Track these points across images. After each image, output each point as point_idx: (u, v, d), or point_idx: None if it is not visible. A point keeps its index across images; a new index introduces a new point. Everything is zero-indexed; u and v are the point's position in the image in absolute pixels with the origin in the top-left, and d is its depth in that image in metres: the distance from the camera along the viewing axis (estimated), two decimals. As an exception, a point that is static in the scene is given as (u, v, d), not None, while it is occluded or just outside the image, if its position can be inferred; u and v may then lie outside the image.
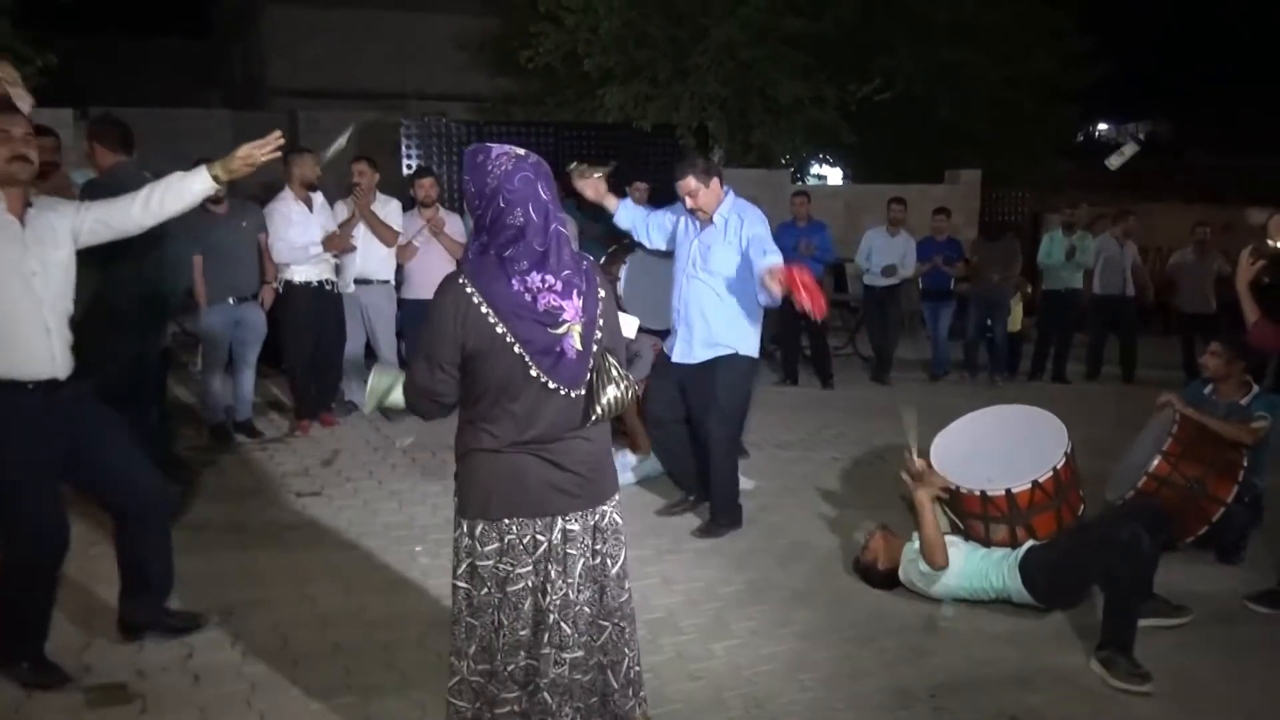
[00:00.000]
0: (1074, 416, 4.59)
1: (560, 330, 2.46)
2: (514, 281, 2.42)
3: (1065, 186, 16.22)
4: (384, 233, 6.71)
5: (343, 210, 6.71)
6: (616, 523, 2.66)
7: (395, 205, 6.91)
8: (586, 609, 2.57)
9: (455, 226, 7.07)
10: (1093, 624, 3.91)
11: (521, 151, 2.49)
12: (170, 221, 3.71)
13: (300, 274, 6.41)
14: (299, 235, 6.32)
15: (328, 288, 6.53)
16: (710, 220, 4.76)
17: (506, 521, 2.50)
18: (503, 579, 2.52)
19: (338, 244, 6.47)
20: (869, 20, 12.88)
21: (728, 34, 12.00)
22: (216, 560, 4.45)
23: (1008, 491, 4.09)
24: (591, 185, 5.00)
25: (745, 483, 5.75)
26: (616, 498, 2.67)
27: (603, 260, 6.20)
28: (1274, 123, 20.23)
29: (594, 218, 8.04)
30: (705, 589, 4.33)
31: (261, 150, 3.19)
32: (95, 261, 3.50)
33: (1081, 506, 4.32)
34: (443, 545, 4.64)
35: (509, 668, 2.58)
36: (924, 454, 4.46)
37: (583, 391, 2.50)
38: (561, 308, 2.46)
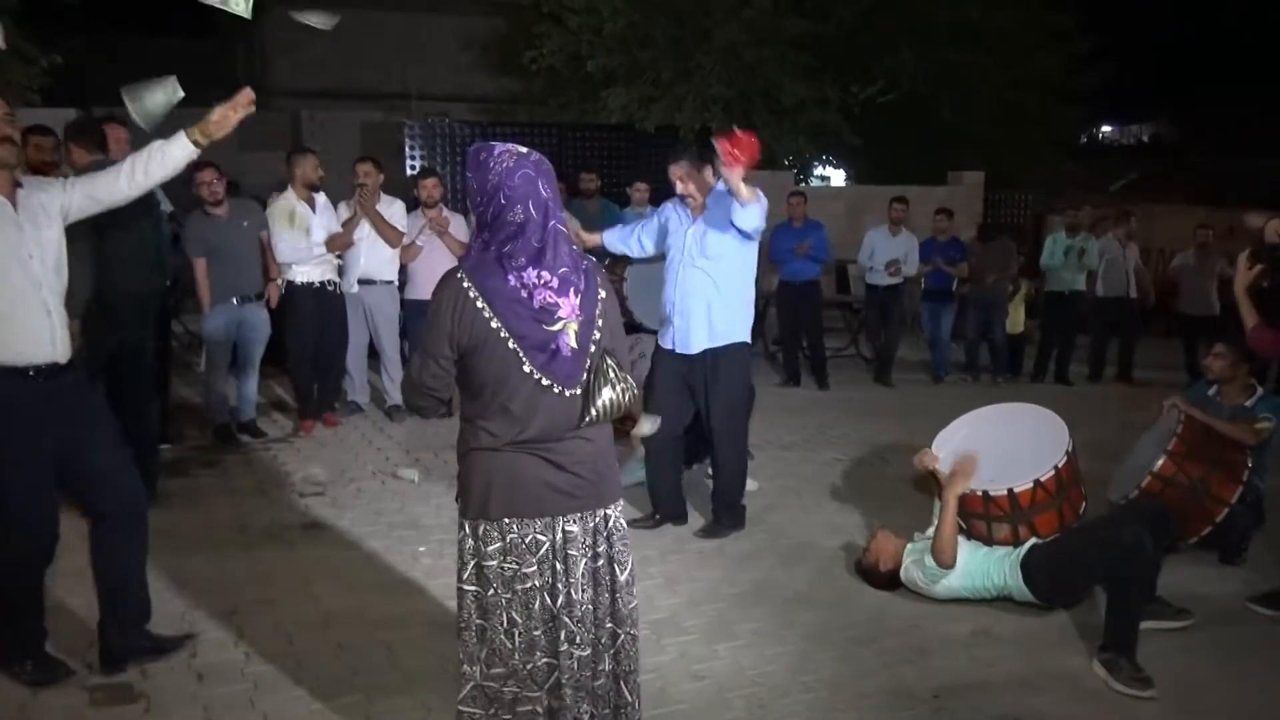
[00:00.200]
0: (1076, 418, 4.59)
1: (555, 327, 2.46)
2: (510, 277, 2.43)
3: (1068, 188, 16.23)
4: (388, 233, 6.72)
5: (346, 211, 6.72)
6: (622, 527, 2.64)
7: (399, 206, 6.92)
8: (591, 608, 2.57)
9: (459, 227, 7.07)
10: (1095, 624, 3.92)
11: (524, 150, 2.50)
12: (150, 219, 3.74)
13: (302, 274, 6.42)
14: (300, 235, 6.32)
15: (330, 288, 6.54)
16: (703, 208, 4.78)
17: (507, 521, 2.50)
18: (509, 578, 2.52)
19: (340, 243, 6.49)
20: (872, 21, 12.88)
21: (731, 35, 12.00)
22: (220, 560, 4.46)
23: (1010, 491, 4.09)
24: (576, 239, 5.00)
25: (748, 484, 5.78)
26: (620, 502, 2.65)
27: (605, 263, 6.20)
28: (1277, 124, 20.21)
29: (595, 219, 8.07)
30: (708, 589, 4.34)
31: (235, 110, 3.17)
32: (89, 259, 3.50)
33: (1083, 505, 4.32)
34: (446, 545, 4.66)
35: (528, 666, 2.57)
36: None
37: (578, 391, 2.50)
38: (557, 304, 2.46)
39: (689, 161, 4.75)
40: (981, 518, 4.20)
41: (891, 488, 5.81)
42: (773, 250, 8.95)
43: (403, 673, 3.52)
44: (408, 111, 13.65)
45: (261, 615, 3.91)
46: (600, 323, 2.54)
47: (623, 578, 2.62)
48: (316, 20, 3.40)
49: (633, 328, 4.41)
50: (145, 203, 4.09)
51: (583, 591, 2.54)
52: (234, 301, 6.27)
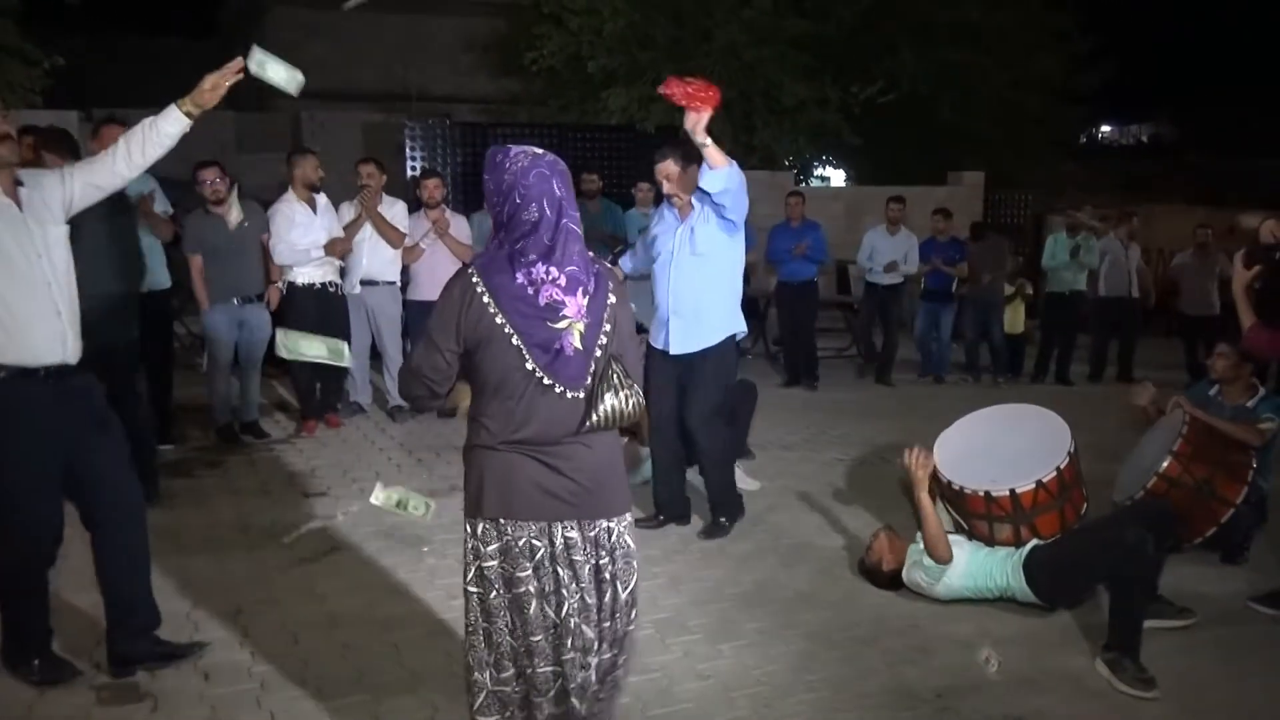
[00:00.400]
0: (1077, 418, 4.60)
1: (560, 325, 2.45)
2: (519, 274, 2.44)
3: (1068, 188, 16.24)
4: (390, 234, 6.73)
5: (348, 212, 6.73)
6: (627, 545, 2.59)
7: (401, 207, 6.94)
8: (585, 627, 2.53)
9: (461, 228, 7.09)
10: (1098, 624, 3.93)
11: (539, 150, 2.52)
12: (116, 221, 3.75)
13: (303, 276, 6.43)
14: (300, 237, 6.33)
15: (331, 289, 6.54)
16: (690, 207, 4.79)
17: (502, 521, 2.50)
18: (508, 580, 2.52)
19: (339, 248, 6.48)
20: (872, 21, 12.90)
21: (731, 35, 12.04)
22: (224, 560, 4.47)
23: (1011, 491, 4.10)
24: None
25: (750, 484, 5.80)
26: (627, 518, 2.61)
27: (609, 260, 6.21)
28: (1277, 124, 20.23)
29: (597, 219, 8.08)
30: (712, 589, 4.35)
31: (225, 78, 3.13)
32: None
33: (1084, 505, 4.33)
34: (449, 545, 4.67)
35: (528, 671, 2.56)
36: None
37: (581, 394, 2.49)
38: (563, 303, 2.45)
39: (675, 160, 4.74)
40: (983, 518, 4.21)
41: (893, 488, 5.81)
42: (770, 250, 8.98)
43: (409, 672, 3.53)
44: (408, 112, 13.66)
45: (266, 615, 3.92)
46: (608, 327, 2.52)
47: (623, 596, 2.58)
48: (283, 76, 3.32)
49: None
50: (111, 204, 4.05)
51: (592, 596, 2.53)
52: (234, 302, 6.28)
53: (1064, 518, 4.17)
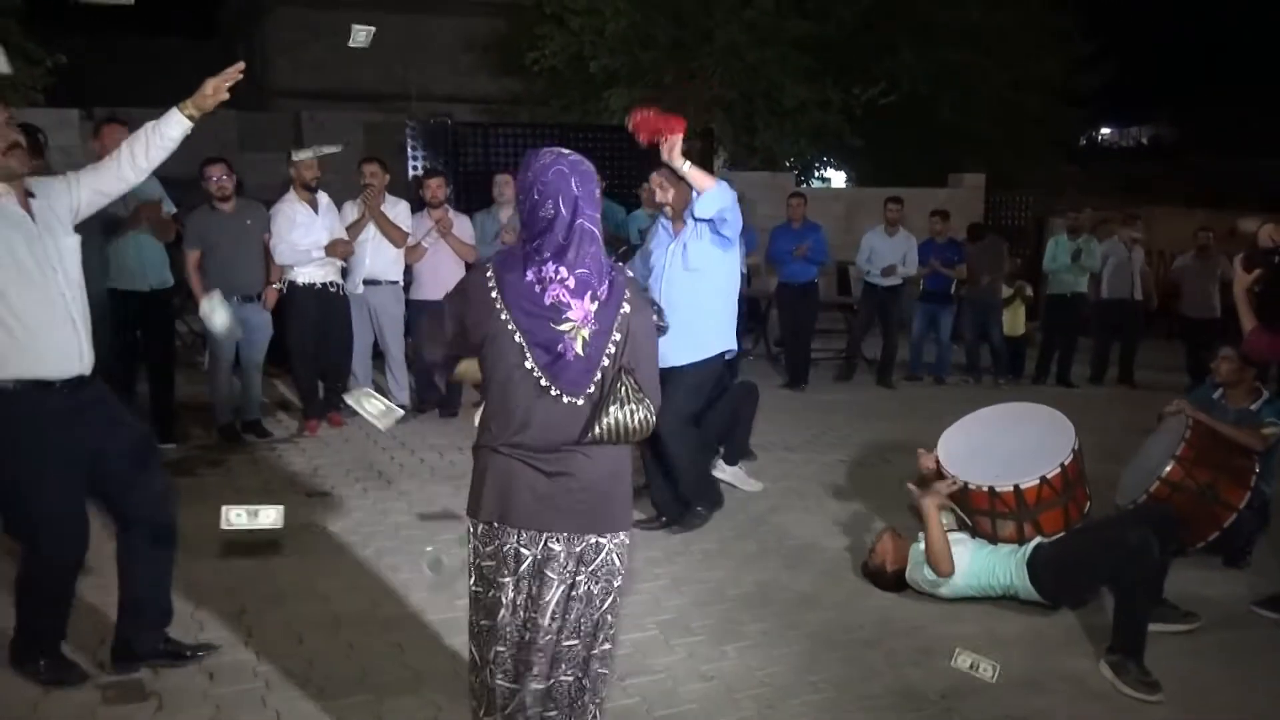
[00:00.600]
0: (1078, 420, 4.59)
1: (563, 327, 2.42)
2: (529, 272, 2.42)
3: (1068, 190, 16.24)
4: (393, 234, 6.73)
5: (351, 211, 6.72)
6: (613, 564, 2.53)
7: (404, 206, 6.94)
8: (554, 639, 2.50)
9: (464, 227, 7.09)
10: (1102, 625, 3.94)
11: (565, 150, 2.51)
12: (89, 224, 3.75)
13: (303, 275, 6.42)
14: (301, 237, 6.32)
15: (332, 290, 6.51)
16: (683, 222, 4.80)
17: (496, 525, 2.48)
18: (491, 582, 2.52)
19: (341, 249, 6.45)
20: (873, 22, 12.91)
21: (732, 36, 12.04)
22: (228, 560, 4.47)
23: (1016, 487, 4.11)
24: None
25: (752, 485, 5.81)
26: (622, 536, 2.55)
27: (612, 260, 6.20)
28: (1277, 125, 20.24)
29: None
30: (714, 590, 4.35)
31: (225, 81, 3.15)
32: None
33: (1088, 504, 4.34)
34: (454, 546, 4.66)
35: (499, 684, 2.54)
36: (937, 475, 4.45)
37: (580, 401, 2.44)
38: (568, 304, 2.42)
39: (671, 171, 4.75)
40: (986, 514, 4.22)
41: (896, 489, 5.79)
42: (771, 251, 8.99)
43: (412, 672, 3.53)
44: (408, 112, 13.66)
45: (270, 615, 3.92)
46: (618, 336, 2.46)
47: (596, 616, 2.53)
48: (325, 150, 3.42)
49: None
50: None
51: (551, 620, 2.48)
52: (234, 300, 6.26)
53: (1068, 515, 4.18)
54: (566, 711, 2.57)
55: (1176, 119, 25.49)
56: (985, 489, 4.15)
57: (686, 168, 4.33)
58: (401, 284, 7.04)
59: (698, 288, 4.77)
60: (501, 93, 15.90)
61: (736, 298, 5.03)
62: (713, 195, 4.44)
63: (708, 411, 5.37)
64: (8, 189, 3.05)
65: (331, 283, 6.51)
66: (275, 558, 4.52)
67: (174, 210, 6.30)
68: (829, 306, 10.36)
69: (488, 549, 2.51)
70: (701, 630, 3.95)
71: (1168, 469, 4.41)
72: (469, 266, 7.23)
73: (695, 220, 4.64)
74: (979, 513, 4.25)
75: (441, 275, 7.06)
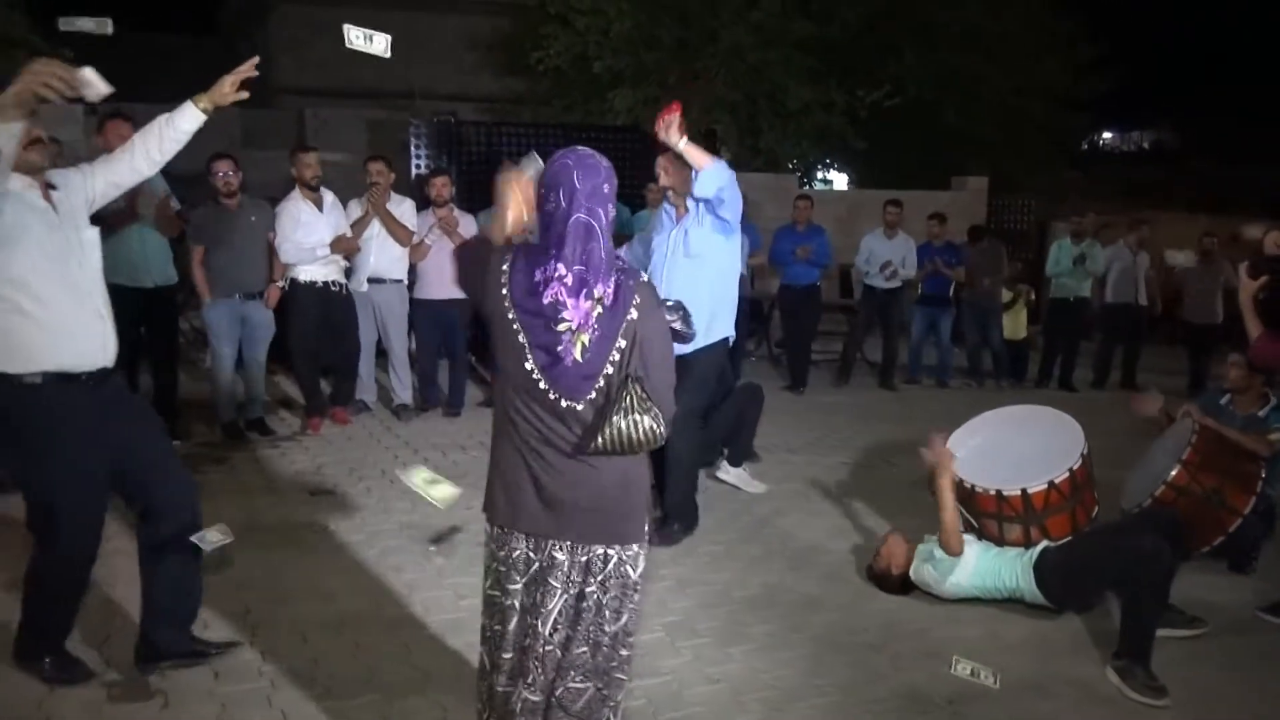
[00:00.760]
0: (1082, 424, 4.59)
1: (560, 329, 2.36)
2: (536, 271, 2.38)
3: (1070, 195, 16.25)
4: (399, 232, 6.72)
5: (355, 209, 6.71)
6: (625, 575, 2.47)
7: (409, 205, 6.93)
8: (558, 652, 2.46)
9: (469, 226, 7.08)
10: (1107, 630, 3.95)
11: (581, 148, 2.46)
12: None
13: (305, 273, 6.42)
14: (305, 236, 6.32)
15: (334, 289, 6.51)
16: (685, 209, 4.80)
17: (504, 529, 2.47)
18: (503, 588, 2.51)
19: (345, 246, 6.44)
20: (878, 26, 12.90)
21: (737, 37, 12.03)
22: (233, 558, 4.45)
23: (1023, 491, 4.11)
24: None
25: (756, 486, 5.81)
26: (634, 548, 2.48)
27: None
28: (1278, 131, 20.26)
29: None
30: (719, 592, 4.34)
31: (239, 76, 3.14)
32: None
33: (1095, 508, 4.34)
34: (459, 545, 4.68)
35: (500, 689, 2.54)
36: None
37: (581, 408, 2.38)
38: (565, 304, 2.35)
39: (677, 155, 4.75)
40: (994, 517, 4.22)
41: (899, 491, 5.82)
42: (774, 252, 8.96)
43: (419, 672, 3.52)
44: (411, 110, 13.63)
45: (275, 613, 3.91)
46: (623, 343, 2.37)
47: (610, 629, 2.48)
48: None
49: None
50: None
51: (554, 630, 2.44)
52: (236, 297, 6.27)
53: (1075, 520, 4.18)
54: None
55: (1178, 125, 25.51)
56: (993, 492, 4.15)
57: (683, 145, 4.31)
58: (405, 282, 7.02)
59: (699, 274, 4.76)
60: (505, 92, 15.87)
61: (737, 284, 5.02)
62: (710, 173, 4.41)
63: (712, 413, 5.36)
64: (31, 182, 3.04)
65: (334, 281, 6.50)
66: (280, 556, 4.51)
67: (179, 206, 6.30)
68: (831, 309, 10.35)
69: (500, 553, 2.50)
70: (707, 632, 3.94)
71: (1173, 473, 4.41)
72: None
73: (695, 200, 4.62)
74: (986, 516, 4.25)
75: (446, 274, 6.99)
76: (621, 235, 8.07)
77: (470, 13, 17.19)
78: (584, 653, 2.48)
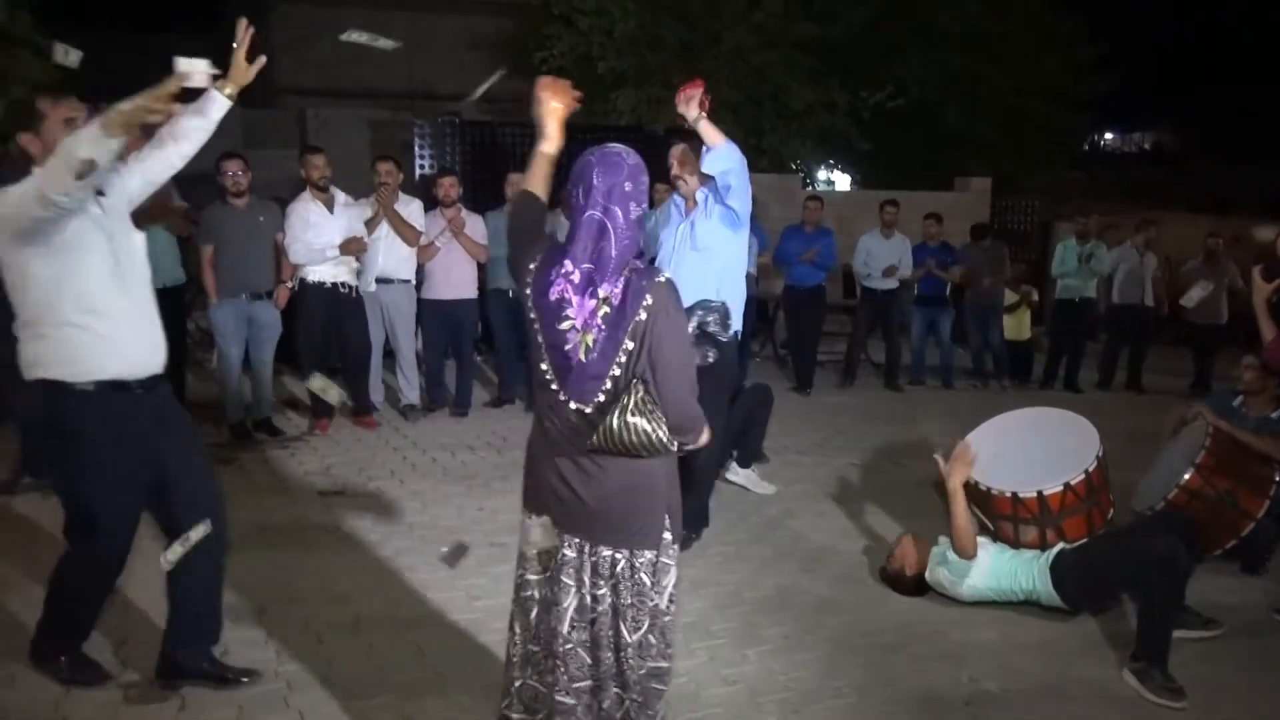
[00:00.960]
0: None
1: (563, 326, 2.35)
2: (554, 266, 2.39)
3: (1072, 195, 16.26)
4: (407, 232, 6.70)
5: (365, 209, 6.69)
6: (641, 583, 2.43)
7: (417, 205, 6.91)
8: (582, 653, 2.46)
9: (476, 227, 7.07)
10: (1122, 632, 3.95)
11: (614, 145, 2.46)
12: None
13: (314, 274, 6.40)
14: (315, 237, 6.30)
15: (343, 290, 6.47)
16: (694, 202, 4.79)
17: (534, 516, 2.51)
18: (522, 580, 2.53)
19: (354, 247, 6.41)
20: (880, 26, 12.89)
21: (740, 38, 12.02)
22: (243, 559, 4.40)
23: (1039, 493, 4.11)
24: None
25: (765, 488, 5.80)
26: (648, 555, 2.44)
27: None
28: (1278, 132, 20.28)
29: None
30: (733, 594, 4.34)
31: (244, 46, 3.06)
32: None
33: (1111, 510, 4.34)
34: (470, 546, 4.66)
35: (516, 683, 2.57)
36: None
37: (589, 410, 2.38)
38: (569, 301, 2.35)
39: (690, 147, 4.74)
40: (1009, 519, 4.22)
41: (908, 492, 5.82)
42: (779, 252, 8.95)
43: (434, 673, 3.51)
44: (413, 110, 13.62)
45: (289, 614, 3.90)
46: (630, 345, 2.33)
47: (632, 638, 2.45)
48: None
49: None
50: None
51: (571, 629, 2.44)
52: (244, 297, 6.25)
53: (1091, 521, 4.18)
54: None
55: (1179, 125, 25.53)
56: (1008, 495, 4.15)
57: (701, 121, 4.29)
58: (413, 283, 7.00)
59: (706, 268, 4.73)
60: (506, 92, 15.86)
61: (744, 279, 4.99)
62: (721, 151, 4.35)
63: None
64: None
65: (343, 283, 6.46)
66: (291, 557, 4.50)
67: (185, 205, 6.29)
68: (835, 309, 10.35)
69: (524, 547, 2.55)
70: (722, 634, 3.93)
71: (1187, 476, 4.40)
72: (481, 267, 7.23)
73: (703, 191, 4.60)
74: (1001, 518, 4.24)
75: (454, 275, 7.06)
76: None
77: (472, 13, 17.17)
78: (609, 658, 2.47)
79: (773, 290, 10.07)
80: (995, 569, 4.10)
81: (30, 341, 2.96)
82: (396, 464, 6.01)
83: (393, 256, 6.78)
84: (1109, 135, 25.93)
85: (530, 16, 13.29)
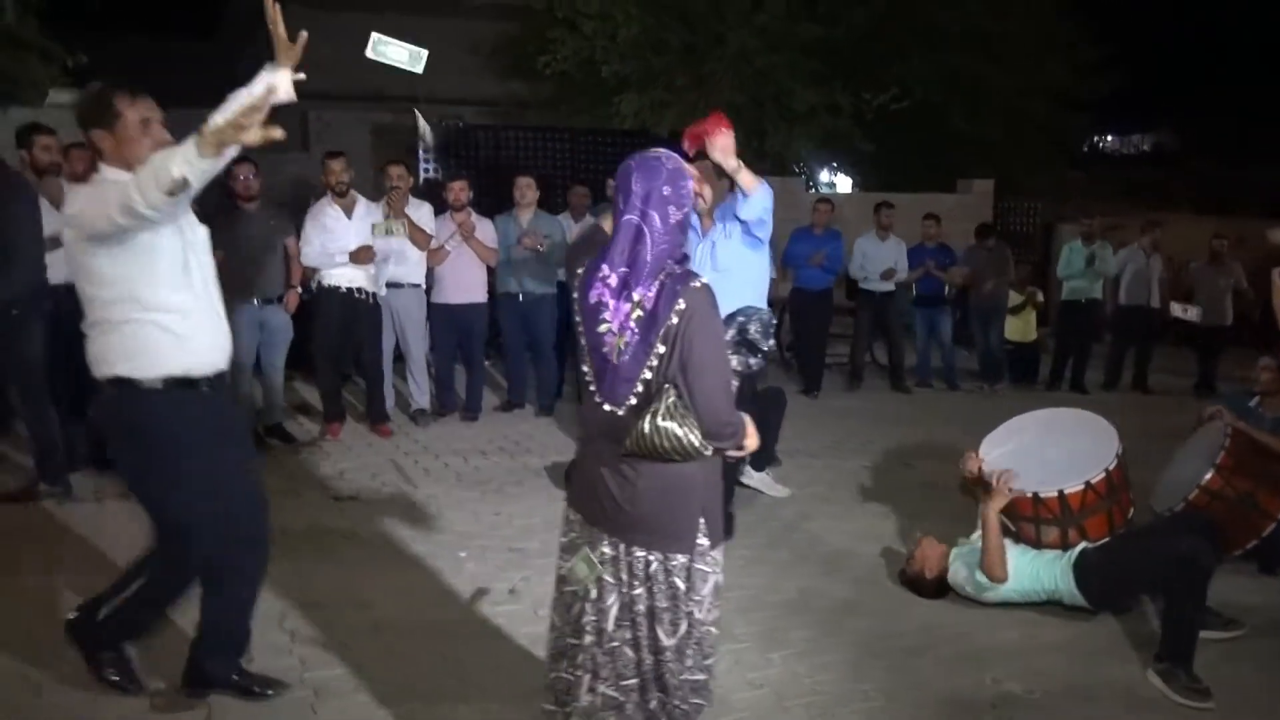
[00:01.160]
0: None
1: (600, 329, 2.40)
2: (595, 272, 2.43)
3: (1074, 196, 16.27)
4: (418, 236, 6.68)
5: (375, 214, 6.67)
6: (675, 587, 2.44)
7: (428, 209, 6.90)
8: (628, 651, 2.47)
9: (486, 231, 7.06)
10: (1144, 632, 3.97)
11: (657, 150, 2.48)
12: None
13: (330, 278, 6.39)
14: (330, 241, 6.29)
15: (358, 295, 6.45)
16: (711, 220, 4.78)
17: (573, 515, 2.54)
18: (562, 576, 2.55)
19: (364, 256, 6.38)
20: (883, 29, 12.89)
21: (743, 41, 12.01)
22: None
23: (1060, 493, 4.11)
24: None
25: (779, 490, 5.79)
26: (680, 559, 2.44)
27: None
28: (1278, 133, 20.28)
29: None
30: (754, 597, 4.33)
31: (278, 23, 2.88)
32: None
33: (1131, 509, 4.34)
34: (487, 551, 4.67)
35: (551, 675, 2.60)
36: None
37: (621, 413, 2.40)
38: (607, 304, 2.38)
39: (710, 167, 4.73)
40: (1030, 520, 4.21)
41: (921, 494, 5.82)
42: (787, 254, 8.94)
43: (459, 680, 3.50)
44: (415, 114, 13.60)
45: (311, 621, 3.88)
46: (662, 349, 2.35)
47: (668, 641, 2.45)
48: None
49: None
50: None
51: (616, 627, 2.46)
52: (255, 302, 6.24)
53: (1112, 520, 4.18)
54: None
55: (1178, 126, 25.55)
56: (1029, 495, 4.14)
57: (739, 169, 4.28)
58: (424, 287, 6.99)
59: (727, 289, 4.68)
60: (508, 96, 15.84)
61: (766, 298, 5.00)
62: (759, 198, 4.40)
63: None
64: None
65: (359, 288, 6.44)
66: (309, 563, 4.48)
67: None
68: (840, 311, 10.35)
69: (564, 539, 2.59)
70: (746, 637, 3.93)
71: (1208, 477, 4.39)
72: (490, 271, 7.22)
73: (738, 220, 4.60)
74: (1023, 518, 4.24)
75: (463, 279, 7.05)
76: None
77: (475, 17, 17.16)
78: (650, 660, 2.49)
79: (776, 292, 10.04)
80: (1018, 570, 4.10)
81: (99, 338, 2.92)
82: (409, 469, 6.00)
83: (403, 261, 6.76)
84: (1109, 136, 25.97)
85: (533, 21, 13.28)
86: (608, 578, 2.46)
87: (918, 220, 9.79)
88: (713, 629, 2.55)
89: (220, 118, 2.51)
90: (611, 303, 2.38)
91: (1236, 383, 5.22)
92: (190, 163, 2.48)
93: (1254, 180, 18.79)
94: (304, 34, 2.86)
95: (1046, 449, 4.39)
